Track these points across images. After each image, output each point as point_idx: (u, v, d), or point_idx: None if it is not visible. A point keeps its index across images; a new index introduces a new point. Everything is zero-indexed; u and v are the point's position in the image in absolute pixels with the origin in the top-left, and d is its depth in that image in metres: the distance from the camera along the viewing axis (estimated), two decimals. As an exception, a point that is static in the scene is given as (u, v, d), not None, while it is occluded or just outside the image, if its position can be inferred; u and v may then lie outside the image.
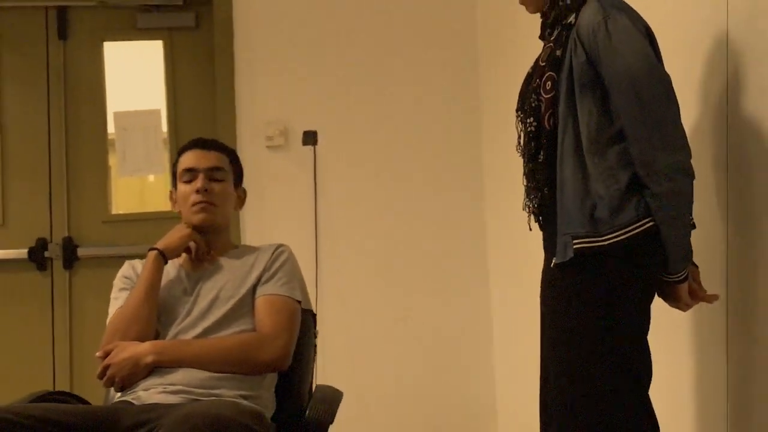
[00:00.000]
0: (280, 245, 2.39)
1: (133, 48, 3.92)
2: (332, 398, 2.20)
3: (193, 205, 2.34)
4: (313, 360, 2.44)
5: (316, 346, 2.46)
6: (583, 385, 1.85)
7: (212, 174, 2.35)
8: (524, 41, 2.49)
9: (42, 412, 1.91)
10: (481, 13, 3.90)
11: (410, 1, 3.90)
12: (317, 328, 2.48)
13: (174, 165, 2.45)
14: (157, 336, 2.26)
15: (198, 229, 2.35)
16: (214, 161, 2.37)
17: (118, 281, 2.41)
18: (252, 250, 2.42)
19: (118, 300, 2.35)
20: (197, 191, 2.33)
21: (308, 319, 2.42)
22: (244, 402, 2.07)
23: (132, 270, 2.40)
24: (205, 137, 2.49)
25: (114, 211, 3.83)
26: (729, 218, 2.03)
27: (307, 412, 2.08)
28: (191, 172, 2.36)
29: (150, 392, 2.09)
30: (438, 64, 3.90)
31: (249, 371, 2.16)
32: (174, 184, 2.44)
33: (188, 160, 2.38)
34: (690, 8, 2.20)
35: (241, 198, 2.49)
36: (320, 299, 3.55)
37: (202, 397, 2.07)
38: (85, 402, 2.25)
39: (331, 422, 2.09)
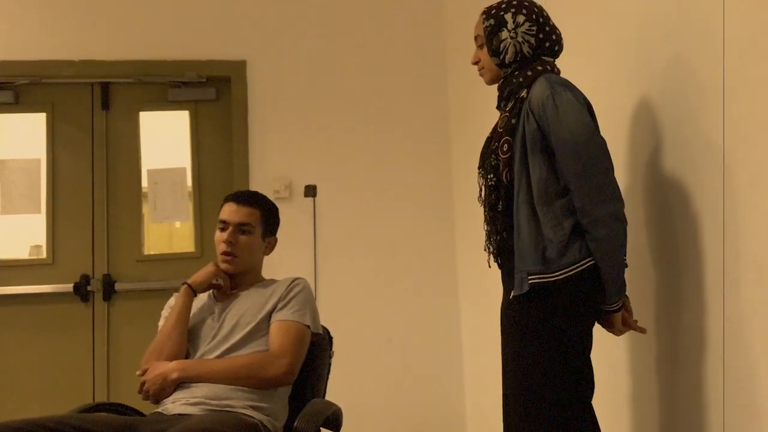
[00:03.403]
0: (297, 278, 2.31)
1: (163, 117, 3.93)
2: (320, 412, 2.04)
3: (221, 253, 2.30)
4: (327, 377, 2.35)
5: (330, 365, 2.37)
6: (537, 396, 1.81)
7: (241, 228, 2.29)
8: (484, 113, 2.50)
9: (79, 423, 1.86)
10: (451, 90, 3.94)
11: (392, 80, 3.93)
12: (333, 349, 2.39)
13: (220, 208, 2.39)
14: (188, 355, 2.22)
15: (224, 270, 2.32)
16: (243, 217, 2.30)
17: (164, 310, 2.36)
18: (273, 283, 2.34)
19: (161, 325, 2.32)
20: (224, 242, 2.29)
21: (325, 340, 2.35)
22: (251, 412, 2.03)
23: (174, 300, 2.35)
24: (245, 191, 2.43)
25: (146, 252, 3.81)
26: (726, 228, 1.81)
27: (296, 422, 1.96)
28: (224, 223, 2.31)
29: (176, 404, 2.06)
30: (416, 131, 3.93)
31: (257, 385, 2.10)
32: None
33: (225, 211, 2.32)
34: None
35: (271, 245, 2.39)
36: (318, 325, 3.50)
37: (216, 408, 2.03)
38: (139, 412, 2.20)
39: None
